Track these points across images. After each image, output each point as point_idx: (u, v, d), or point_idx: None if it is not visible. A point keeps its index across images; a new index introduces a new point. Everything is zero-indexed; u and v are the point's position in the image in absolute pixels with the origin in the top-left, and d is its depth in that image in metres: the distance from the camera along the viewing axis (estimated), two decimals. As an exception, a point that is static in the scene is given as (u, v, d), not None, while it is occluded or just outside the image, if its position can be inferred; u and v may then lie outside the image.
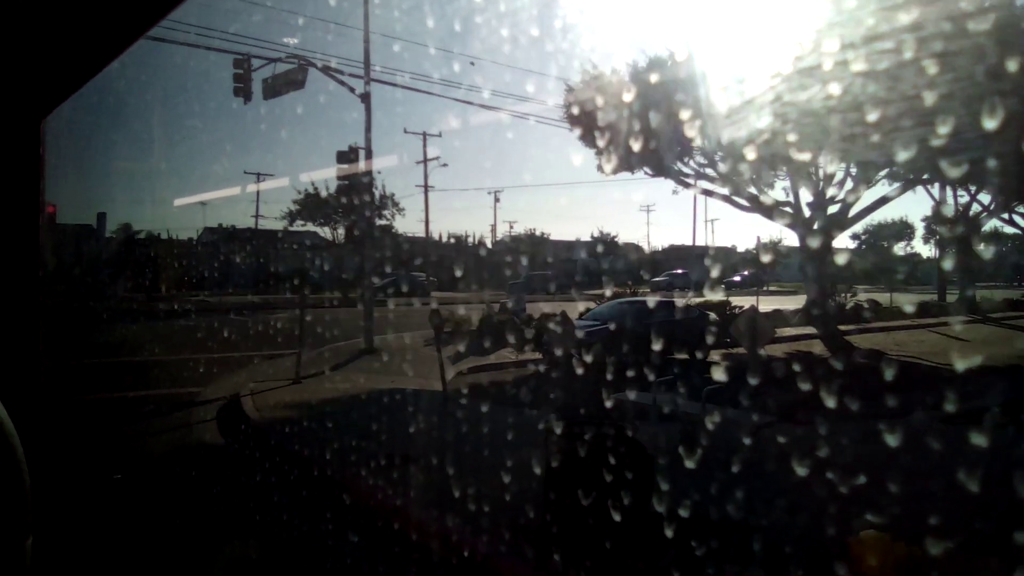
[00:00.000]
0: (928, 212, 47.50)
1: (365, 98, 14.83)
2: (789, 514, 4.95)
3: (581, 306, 26.45)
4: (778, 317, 24.05)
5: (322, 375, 12.13)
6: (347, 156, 14.44)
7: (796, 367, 10.47)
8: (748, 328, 7.89)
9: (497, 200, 59.81)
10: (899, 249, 51.57)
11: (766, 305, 26.11)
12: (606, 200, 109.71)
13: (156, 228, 47.20)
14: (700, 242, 56.08)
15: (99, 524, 4.92)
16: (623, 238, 59.50)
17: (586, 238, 62.48)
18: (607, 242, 48.03)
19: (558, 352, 14.35)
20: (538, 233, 53.42)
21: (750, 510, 4.75)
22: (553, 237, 55.45)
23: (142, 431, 8.37)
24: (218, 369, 12.97)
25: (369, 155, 14.67)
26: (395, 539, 5.12)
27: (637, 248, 59.51)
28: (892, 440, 4.92)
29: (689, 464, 5.60)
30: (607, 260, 46.67)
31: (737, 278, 44.56)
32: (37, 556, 1.26)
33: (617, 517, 3.90)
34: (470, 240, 55.12)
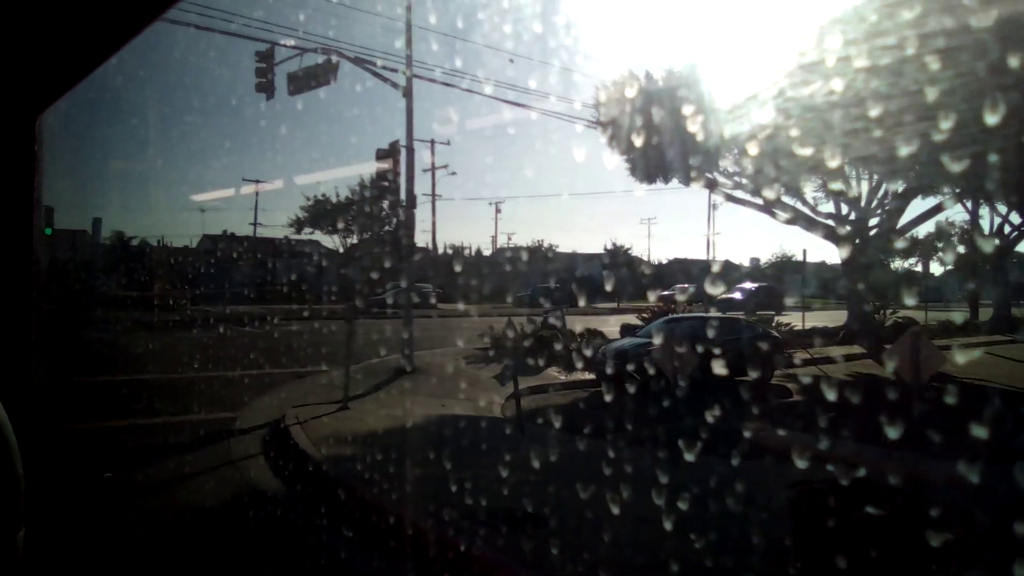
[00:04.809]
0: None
1: (406, 91, 13.51)
2: None
3: (613, 320, 25.20)
4: (822, 335, 22.88)
5: (368, 398, 10.73)
6: (387, 153, 13.08)
7: (946, 399, 9.17)
8: (910, 354, 6.59)
9: (498, 211, 58.74)
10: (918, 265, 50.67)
11: (798, 320, 24.93)
12: (610, 211, 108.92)
13: (153, 234, 45.77)
14: (712, 254, 55.06)
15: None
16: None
17: (589, 250, 61.45)
18: (621, 254, 46.82)
19: (620, 373, 13.05)
20: (545, 245, 52.28)
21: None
22: (558, 249, 54.34)
23: (176, 472, 6.91)
24: (245, 389, 11.56)
25: (411, 153, 13.33)
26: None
27: (641, 261, 58.43)
28: None
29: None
30: (620, 272, 45.46)
31: (737, 295, 40.76)
32: (29, 548, 1.24)
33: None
34: (471, 250, 53.91)
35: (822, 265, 61.41)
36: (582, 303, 37.62)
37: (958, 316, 31.05)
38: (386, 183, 13.12)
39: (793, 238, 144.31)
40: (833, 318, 26.99)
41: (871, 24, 11.95)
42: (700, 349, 12.97)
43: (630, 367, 12.38)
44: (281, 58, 16.03)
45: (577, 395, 13.22)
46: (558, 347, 15.78)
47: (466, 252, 54.38)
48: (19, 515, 1.23)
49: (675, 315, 15.99)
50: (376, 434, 8.21)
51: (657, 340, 14.28)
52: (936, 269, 56.50)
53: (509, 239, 62.36)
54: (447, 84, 14.93)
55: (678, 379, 7.58)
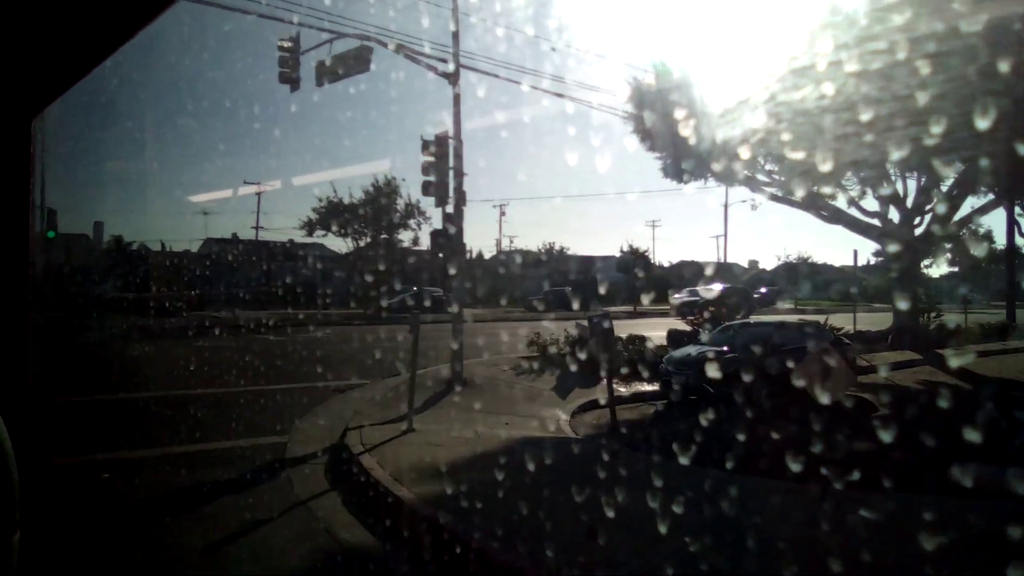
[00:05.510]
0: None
1: (453, 78, 12.33)
2: None
3: (639, 324, 24.03)
4: (869, 339, 21.79)
5: (427, 416, 9.54)
6: (434, 145, 11.90)
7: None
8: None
9: (503, 214, 57.71)
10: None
11: (843, 324, 23.77)
12: (614, 214, 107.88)
13: (155, 237, 44.51)
14: (723, 256, 54.06)
15: None
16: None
17: (595, 252, 60.36)
18: (639, 257, 45.66)
19: (697, 386, 11.91)
20: (556, 248, 51.17)
21: None
22: (568, 251, 53.14)
23: (237, 519, 5.69)
24: (282, 407, 10.38)
25: (459, 146, 12.13)
26: None
27: (654, 265, 57.25)
28: None
29: None
30: (634, 275, 44.33)
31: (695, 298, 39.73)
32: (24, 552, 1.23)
33: None
34: (472, 253, 52.76)
35: (824, 266, 60.74)
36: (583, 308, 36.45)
37: (993, 318, 30.02)
38: (431, 179, 11.93)
39: (811, 239, 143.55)
40: (853, 320, 25.82)
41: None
42: (775, 359, 11.83)
43: (711, 379, 11.21)
44: (307, 46, 14.88)
45: (644, 410, 12.05)
46: (612, 356, 14.62)
47: (468, 255, 53.25)
48: (14, 519, 1.26)
49: (736, 321, 14.82)
50: (461, 464, 7.01)
51: (720, 350, 13.16)
52: (943, 270, 55.66)
53: (511, 242, 61.32)
54: (494, 75, 13.72)
55: (827, 400, 6.42)
